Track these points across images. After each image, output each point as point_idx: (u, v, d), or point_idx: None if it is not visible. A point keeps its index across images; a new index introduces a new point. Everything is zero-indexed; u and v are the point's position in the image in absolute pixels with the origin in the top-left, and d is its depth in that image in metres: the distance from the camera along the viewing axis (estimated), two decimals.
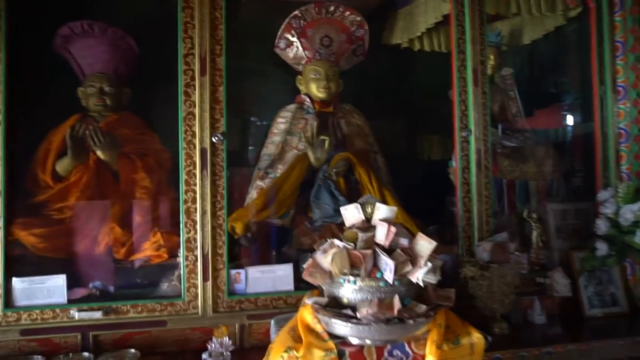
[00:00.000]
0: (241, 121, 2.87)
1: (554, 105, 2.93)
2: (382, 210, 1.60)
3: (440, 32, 2.74)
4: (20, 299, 1.70)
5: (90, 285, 1.85)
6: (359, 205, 1.67)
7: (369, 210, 1.68)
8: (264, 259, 2.13)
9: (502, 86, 2.60)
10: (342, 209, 1.69)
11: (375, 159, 2.47)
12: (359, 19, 2.47)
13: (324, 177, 2.21)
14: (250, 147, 2.70)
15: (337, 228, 2.17)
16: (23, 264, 1.81)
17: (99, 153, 2.08)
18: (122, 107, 2.33)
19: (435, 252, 1.56)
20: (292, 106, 2.47)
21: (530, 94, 2.79)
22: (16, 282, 1.70)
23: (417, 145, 3.05)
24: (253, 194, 2.27)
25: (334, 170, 2.18)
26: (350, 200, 2.23)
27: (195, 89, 1.80)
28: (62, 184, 2.05)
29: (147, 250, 1.97)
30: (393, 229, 1.54)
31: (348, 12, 2.45)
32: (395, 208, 1.61)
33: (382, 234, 1.55)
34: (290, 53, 2.46)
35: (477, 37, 2.08)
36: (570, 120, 2.86)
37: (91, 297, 1.82)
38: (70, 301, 1.75)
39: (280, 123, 2.42)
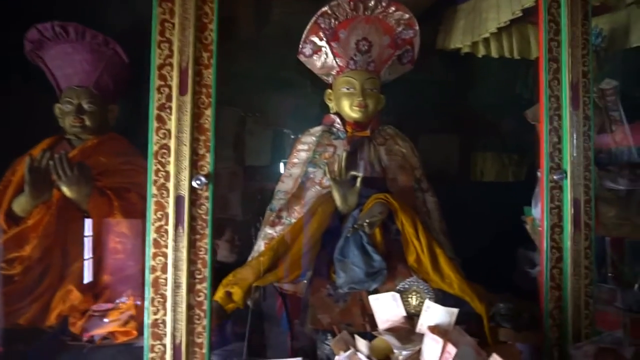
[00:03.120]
0: (273, 133, 2.44)
1: None
2: (433, 313, 1.02)
3: (513, 32, 2.13)
4: None
5: None
6: (397, 295, 1.10)
7: (413, 301, 1.12)
8: (267, 344, 1.59)
9: (600, 105, 1.93)
10: (372, 299, 1.13)
11: (424, 200, 1.88)
12: (407, 16, 1.89)
13: (353, 227, 1.64)
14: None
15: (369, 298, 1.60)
16: None
17: (65, 189, 1.62)
18: (108, 127, 1.89)
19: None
20: (317, 129, 1.93)
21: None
22: None
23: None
24: (260, 245, 1.74)
25: (367, 221, 1.60)
26: (390, 259, 1.68)
27: (171, 113, 1.29)
28: (18, 228, 1.61)
29: (113, 323, 1.48)
30: (452, 349, 0.95)
31: (393, 8, 1.87)
32: (455, 310, 1.02)
33: (434, 355, 0.97)
34: (318, 61, 1.92)
35: (578, 38, 1.44)
36: None
37: None
38: None
39: (302, 151, 1.89)
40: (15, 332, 1.44)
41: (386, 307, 1.10)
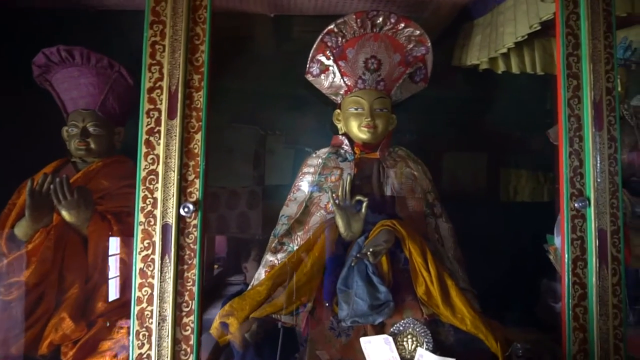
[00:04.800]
0: (295, 152, 2.40)
1: None
2: None
3: (535, 47, 2.01)
4: None
5: None
6: (390, 339, 1.00)
7: (408, 345, 1.01)
8: None
9: (632, 123, 1.77)
10: (363, 342, 1.02)
11: (436, 226, 1.76)
12: (417, 33, 1.80)
13: (356, 256, 1.54)
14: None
15: (374, 332, 1.49)
16: None
17: (64, 214, 1.61)
18: (114, 150, 1.89)
19: None
20: (324, 150, 1.85)
21: None
22: None
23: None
24: (261, 273, 1.66)
25: (370, 249, 1.50)
26: (398, 290, 1.56)
27: (160, 138, 1.24)
28: (18, 252, 1.60)
29: (105, 353, 1.43)
30: None
31: (402, 25, 1.79)
32: None
33: None
34: (326, 81, 1.86)
35: (600, 52, 1.31)
36: None
37: None
38: None
39: (307, 174, 1.81)
40: None
41: (379, 351, 1.00)
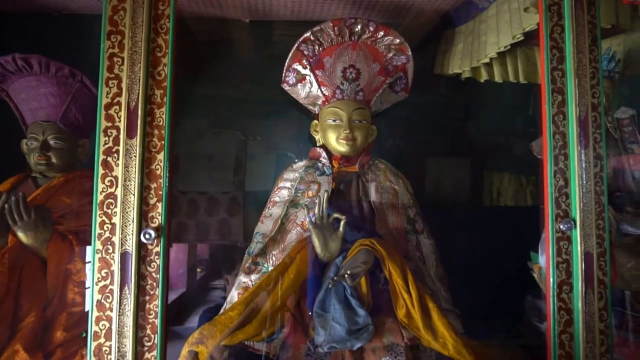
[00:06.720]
0: (276, 157, 2.34)
1: None
2: None
3: (518, 55, 1.96)
4: None
5: None
6: None
7: None
8: None
9: (615, 136, 1.73)
10: None
11: (417, 243, 1.70)
12: (397, 41, 1.73)
13: (333, 278, 1.46)
14: None
15: (352, 357, 1.42)
16: None
17: (20, 235, 1.50)
18: (78, 164, 1.78)
19: None
20: (301, 164, 1.77)
21: None
22: None
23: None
24: (234, 295, 1.57)
25: (349, 272, 1.42)
26: (378, 312, 1.49)
27: (118, 158, 1.14)
28: None
29: None
30: None
31: (382, 33, 1.72)
32: None
33: None
34: (302, 91, 1.78)
35: (586, 66, 1.25)
36: None
37: None
38: None
39: (283, 188, 1.73)
40: None
41: None
